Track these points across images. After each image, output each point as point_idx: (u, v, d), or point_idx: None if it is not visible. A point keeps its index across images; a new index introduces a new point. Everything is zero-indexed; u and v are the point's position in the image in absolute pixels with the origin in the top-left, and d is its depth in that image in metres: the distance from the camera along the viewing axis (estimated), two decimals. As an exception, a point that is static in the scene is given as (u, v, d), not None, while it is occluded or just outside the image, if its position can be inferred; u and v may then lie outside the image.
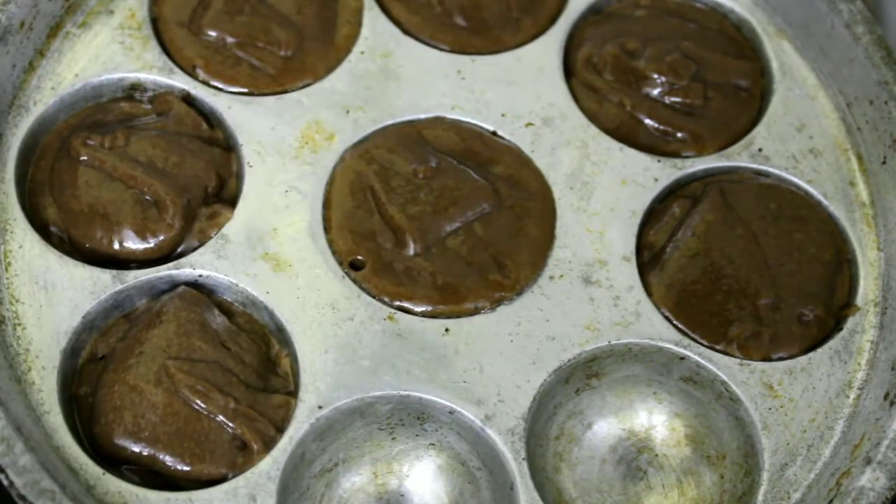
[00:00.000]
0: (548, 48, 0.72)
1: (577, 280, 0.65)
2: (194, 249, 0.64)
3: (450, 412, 0.62)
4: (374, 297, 0.64)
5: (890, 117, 0.69)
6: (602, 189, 0.68)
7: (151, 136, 0.66)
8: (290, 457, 0.59)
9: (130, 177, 0.65)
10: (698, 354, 0.64)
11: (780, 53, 0.74)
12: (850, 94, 0.72)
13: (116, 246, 0.64)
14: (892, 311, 0.66)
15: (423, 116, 0.69)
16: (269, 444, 0.59)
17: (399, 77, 0.70)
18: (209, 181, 0.66)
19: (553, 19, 0.74)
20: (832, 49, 0.72)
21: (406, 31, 0.72)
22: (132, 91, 0.69)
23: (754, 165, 0.70)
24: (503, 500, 0.61)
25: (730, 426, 0.65)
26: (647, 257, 0.67)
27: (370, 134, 0.68)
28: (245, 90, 0.69)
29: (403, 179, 0.67)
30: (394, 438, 0.63)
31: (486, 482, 0.63)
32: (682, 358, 0.64)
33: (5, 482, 0.54)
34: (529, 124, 0.70)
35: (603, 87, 0.71)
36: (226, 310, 0.63)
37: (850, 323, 0.66)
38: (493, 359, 0.63)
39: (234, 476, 0.59)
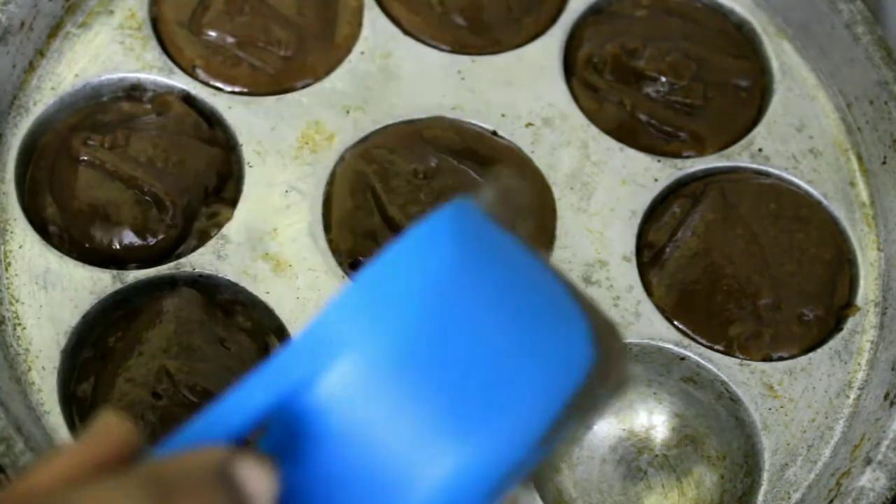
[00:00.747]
0: (548, 48, 0.72)
1: (577, 280, 0.65)
2: (194, 249, 0.64)
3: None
4: (374, 297, 0.64)
5: (890, 117, 0.69)
6: (602, 189, 0.68)
7: (151, 136, 0.66)
8: (290, 457, 0.59)
9: (130, 177, 0.65)
10: (698, 355, 0.64)
11: (781, 53, 0.74)
12: (850, 94, 0.72)
13: (116, 246, 0.64)
14: (892, 311, 0.66)
15: (423, 116, 0.69)
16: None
17: (399, 77, 0.70)
18: (209, 181, 0.66)
19: (553, 19, 0.74)
20: (832, 49, 0.72)
21: (406, 31, 0.72)
22: (132, 91, 0.69)
23: (754, 165, 0.70)
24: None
25: (730, 426, 0.65)
26: (648, 257, 0.67)
27: (370, 134, 0.68)
28: (245, 90, 0.69)
29: (404, 179, 0.67)
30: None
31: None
32: (683, 358, 0.64)
33: (5, 482, 0.54)
34: (529, 124, 0.70)
35: (603, 86, 0.71)
36: (226, 310, 0.63)
37: (850, 323, 0.66)
38: (493, 359, 0.63)
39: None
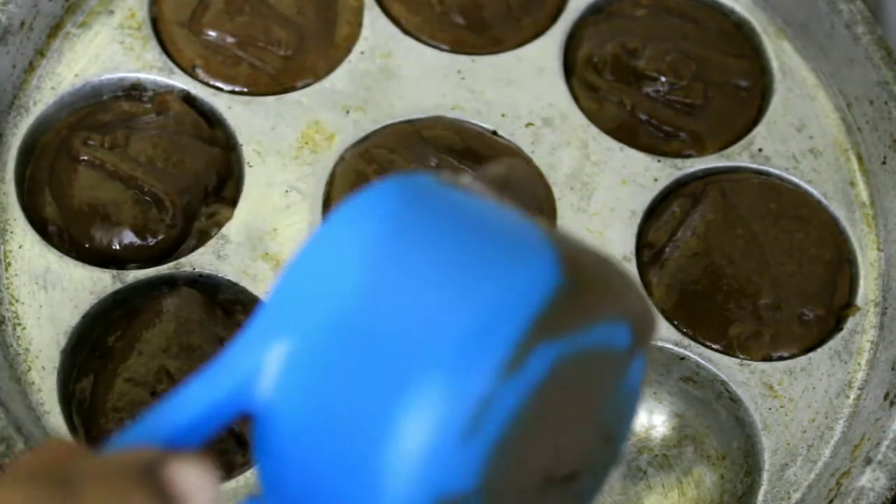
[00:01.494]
0: (548, 48, 0.72)
1: (577, 280, 0.65)
2: (194, 249, 0.64)
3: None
4: (374, 297, 0.64)
5: (890, 117, 0.69)
6: (602, 189, 0.68)
7: (151, 135, 0.66)
8: (290, 457, 0.59)
9: (130, 177, 0.65)
10: (698, 354, 0.64)
11: (781, 53, 0.74)
12: (850, 94, 0.72)
13: (116, 246, 0.64)
14: (892, 311, 0.66)
15: (422, 116, 0.69)
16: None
17: (399, 77, 0.70)
18: (209, 181, 0.66)
19: (553, 19, 0.74)
20: (832, 49, 0.72)
21: (406, 31, 0.72)
22: (132, 91, 0.69)
23: (754, 165, 0.70)
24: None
25: (730, 426, 0.65)
26: (647, 257, 0.67)
27: (370, 134, 0.68)
28: (245, 90, 0.69)
29: (403, 179, 0.67)
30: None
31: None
32: (682, 358, 0.64)
33: (5, 482, 0.54)
34: (529, 124, 0.70)
35: (603, 86, 0.71)
36: (226, 310, 0.63)
37: (850, 323, 0.66)
38: (493, 359, 0.63)
39: (234, 476, 0.59)
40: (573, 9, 0.74)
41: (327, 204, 0.66)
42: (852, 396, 0.64)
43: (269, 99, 0.69)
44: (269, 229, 0.65)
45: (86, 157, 0.65)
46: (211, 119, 0.68)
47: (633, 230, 0.67)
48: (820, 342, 0.66)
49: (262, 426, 0.35)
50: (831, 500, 0.59)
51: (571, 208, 0.67)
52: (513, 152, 0.69)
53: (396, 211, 0.36)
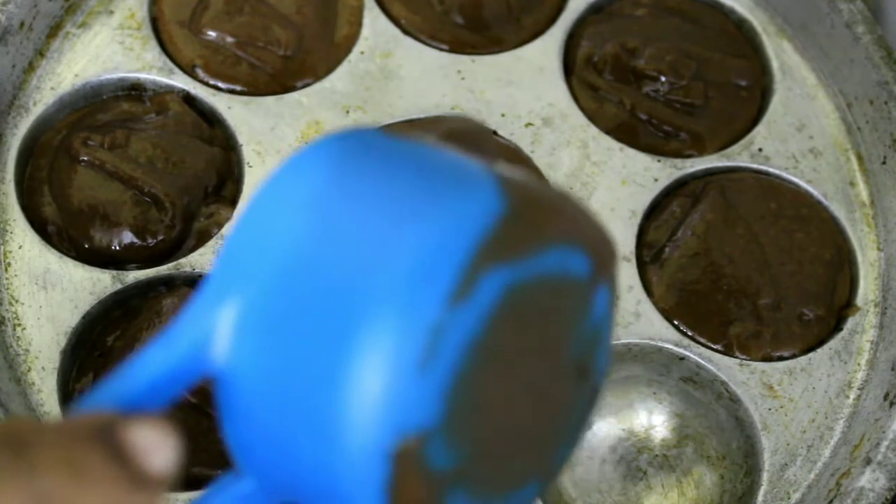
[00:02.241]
0: (548, 48, 0.72)
1: (576, 280, 0.65)
2: (194, 249, 0.64)
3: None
4: (373, 297, 0.64)
5: (890, 117, 0.69)
6: (602, 189, 0.68)
7: (151, 136, 0.66)
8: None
9: (130, 177, 0.65)
10: (698, 355, 0.64)
11: (781, 53, 0.74)
12: (850, 94, 0.71)
13: (116, 246, 0.64)
14: (892, 311, 0.66)
15: (422, 116, 0.69)
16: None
17: (399, 77, 0.70)
18: (209, 181, 0.66)
19: (553, 19, 0.74)
20: (832, 49, 0.72)
21: (406, 31, 0.72)
22: (132, 91, 0.69)
23: (754, 165, 0.70)
24: (503, 501, 0.61)
25: (730, 426, 0.65)
26: (647, 257, 0.67)
27: (370, 134, 0.68)
28: (245, 90, 0.69)
29: (403, 179, 0.67)
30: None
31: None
32: (682, 358, 0.64)
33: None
34: (529, 124, 0.70)
35: (603, 86, 0.71)
36: (225, 310, 0.63)
37: (850, 323, 0.66)
38: (492, 359, 0.63)
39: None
40: (573, 9, 0.74)
41: (327, 204, 0.66)
42: (852, 396, 0.64)
43: (269, 99, 0.69)
44: (269, 229, 0.65)
45: (85, 158, 0.65)
46: (211, 119, 0.69)
47: (633, 230, 0.67)
48: (820, 342, 0.66)
49: (223, 389, 0.35)
50: (831, 501, 0.59)
51: (571, 208, 0.67)
52: (513, 152, 0.69)
53: (336, 158, 0.36)
